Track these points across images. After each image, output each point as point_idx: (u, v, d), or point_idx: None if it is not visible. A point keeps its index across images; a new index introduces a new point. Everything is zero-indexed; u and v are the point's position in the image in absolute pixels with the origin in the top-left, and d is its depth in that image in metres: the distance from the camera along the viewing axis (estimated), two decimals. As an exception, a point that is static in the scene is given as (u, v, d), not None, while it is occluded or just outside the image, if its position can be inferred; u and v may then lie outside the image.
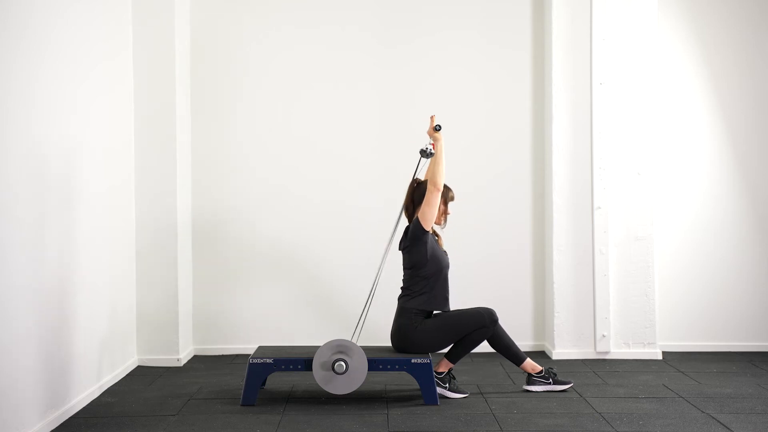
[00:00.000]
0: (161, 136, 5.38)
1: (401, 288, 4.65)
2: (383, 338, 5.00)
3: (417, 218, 4.53)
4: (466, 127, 5.89)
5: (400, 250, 4.67)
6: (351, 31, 5.88)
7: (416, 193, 4.64)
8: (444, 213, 4.65)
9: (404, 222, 4.75)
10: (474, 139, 5.89)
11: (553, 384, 4.63)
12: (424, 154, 4.57)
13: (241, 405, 4.32)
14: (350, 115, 5.89)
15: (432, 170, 4.51)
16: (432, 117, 4.58)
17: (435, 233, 4.68)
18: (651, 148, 5.62)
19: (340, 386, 4.30)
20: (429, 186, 4.47)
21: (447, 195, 4.64)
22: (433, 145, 4.55)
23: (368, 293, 4.79)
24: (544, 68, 5.84)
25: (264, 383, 4.60)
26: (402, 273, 4.67)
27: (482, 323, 4.50)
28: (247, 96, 5.85)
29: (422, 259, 4.53)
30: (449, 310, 4.58)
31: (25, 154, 3.72)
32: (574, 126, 5.63)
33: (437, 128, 4.50)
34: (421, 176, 4.76)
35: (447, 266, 4.61)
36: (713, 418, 4.08)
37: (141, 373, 5.17)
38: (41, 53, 3.90)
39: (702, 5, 5.88)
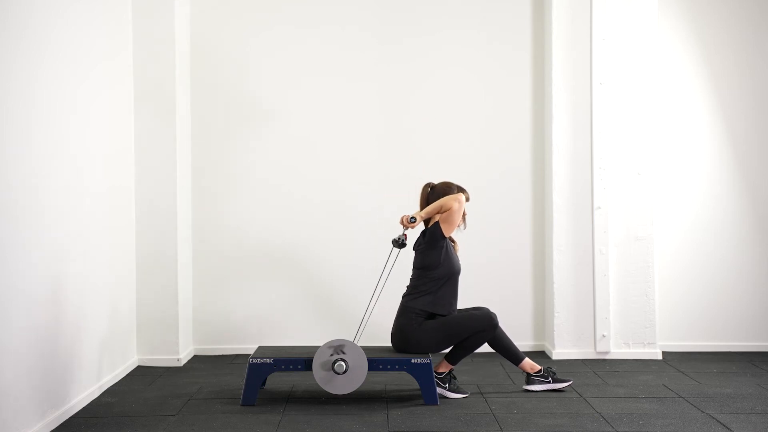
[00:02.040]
0: (161, 136, 5.38)
1: (407, 286, 4.64)
2: (383, 338, 5.00)
3: (438, 224, 4.52)
4: (466, 127, 5.89)
5: (414, 249, 4.66)
6: (351, 31, 5.88)
7: (431, 197, 4.63)
8: (463, 216, 4.64)
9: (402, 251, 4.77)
10: (474, 139, 5.89)
11: (553, 383, 4.63)
12: (397, 244, 4.56)
13: (241, 405, 4.32)
14: (350, 115, 5.89)
15: (441, 208, 4.49)
16: (403, 217, 4.55)
17: (451, 238, 4.67)
18: (651, 148, 5.62)
19: (340, 386, 4.30)
20: (449, 205, 4.46)
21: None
22: (405, 235, 4.55)
23: (369, 294, 4.79)
24: (544, 68, 5.84)
25: (264, 383, 4.60)
26: (410, 272, 4.67)
27: (482, 327, 4.49)
28: (247, 96, 5.85)
29: (435, 262, 4.52)
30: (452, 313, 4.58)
31: (24, 155, 3.72)
32: (574, 126, 5.63)
33: (412, 220, 4.49)
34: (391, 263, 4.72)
35: (458, 271, 4.60)
36: (713, 418, 4.08)
37: (141, 373, 5.17)
38: (41, 53, 3.90)
39: (702, 5, 5.88)
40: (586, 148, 5.62)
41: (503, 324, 4.67)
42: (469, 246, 5.73)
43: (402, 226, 4.58)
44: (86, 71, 4.50)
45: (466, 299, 5.19)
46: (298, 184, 5.86)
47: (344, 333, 5.37)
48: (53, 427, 3.93)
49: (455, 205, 4.47)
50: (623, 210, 5.61)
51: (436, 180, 4.80)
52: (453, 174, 5.31)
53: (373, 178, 5.84)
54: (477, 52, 5.90)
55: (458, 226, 4.61)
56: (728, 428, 3.90)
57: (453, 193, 4.58)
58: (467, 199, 4.67)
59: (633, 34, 5.60)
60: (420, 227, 4.77)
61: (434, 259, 4.53)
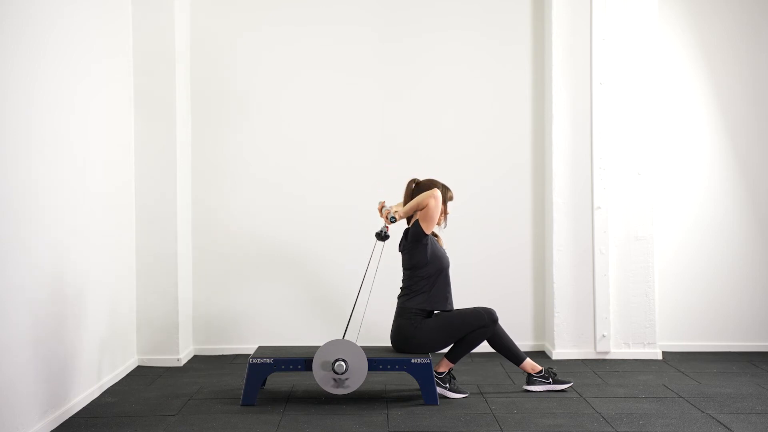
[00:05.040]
0: (161, 136, 5.38)
1: (401, 288, 4.65)
2: (383, 338, 5.00)
3: (417, 222, 4.52)
4: (466, 127, 5.89)
5: (399, 251, 4.67)
6: (351, 31, 5.88)
7: (416, 193, 4.64)
8: (444, 213, 4.64)
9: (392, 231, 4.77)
10: (474, 139, 5.89)
11: (553, 384, 4.63)
12: (380, 237, 4.57)
13: (241, 405, 4.32)
14: (349, 116, 5.89)
15: (420, 207, 4.49)
16: (381, 205, 4.56)
17: (434, 233, 4.68)
18: (651, 148, 5.62)
19: (340, 386, 4.30)
20: (425, 202, 4.46)
21: (446, 195, 4.64)
22: (387, 227, 4.56)
23: (366, 293, 4.79)
24: (544, 68, 5.84)
25: (264, 383, 4.60)
26: (401, 273, 4.67)
27: (482, 323, 4.49)
28: (247, 97, 5.85)
29: (422, 260, 4.53)
30: (449, 310, 4.58)
31: (24, 154, 3.72)
32: (574, 126, 5.63)
33: (392, 220, 4.50)
34: (378, 256, 4.75)
35: (447, 265, 4.61)
36: (713, 418, 4.08)
37: (141, 373, 5.17)
38: (41, 53, 3.90)
39: (702, 5, 5.88)
40: (586, 148, 5.62)
41: (503, 324, 4.66)
42: (469, 246, 5.75)
43: (383, 219, 4.57)
44: (86, 70, 4.50)
45: (466, 299, 5.19)
46: (298, 184, 5.86)
47: (343, 333, 5.36)
48: (53, 427, 3.93)
49: (431, 202, 4.47)
50: (623, 210, 5.61)
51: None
52: (454, 175, 5.31)
53: (372, 178, 5.84)
54: (477, 52, 5.90)
55: (439, 224, 4.61)
56: (728, 428, 3.90)
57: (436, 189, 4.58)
58: (451, 198, 4.68)
59: (633, 34, 5.60)
60: (402, 223, 4.76)
61: (421, 257, 4.53)
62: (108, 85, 4.90)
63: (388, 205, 4.68)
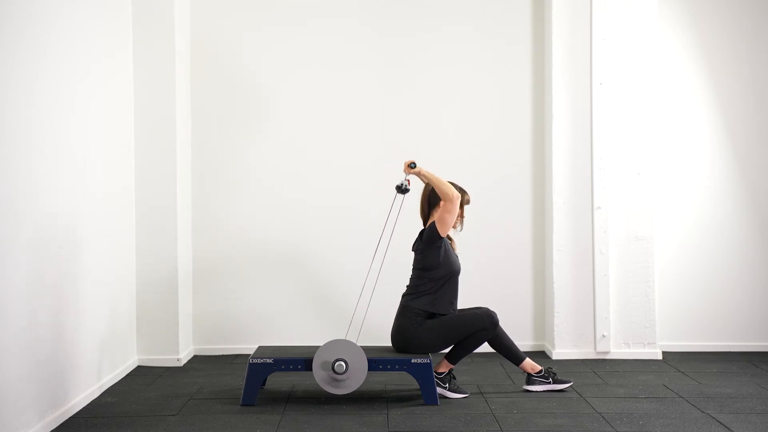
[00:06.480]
0: (162, 135, 5.37)
1: (407, 286, 4.64)
2: (383, 338, 5.00)
3: (434, 224, 4.52)
4: (466, 128, 5.89)
5: (413, 251, 4.66)
6: (352, 30, 5.88)
7: (432, 195, 4.63)
8: (460, 216, 4.63)
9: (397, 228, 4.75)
10: (474, 140, 5.89)
11: (553, 383, 4.63)
12: (400, 189, 4.57)
13: (241, 405, 4.32)
14: (350, 118, 5.89)
15: (438, 190, 4.49)
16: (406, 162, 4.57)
17: (449, 236, 4.67)
18: (651, 148, 5.63)
19: (340, 386, 4.30)
20: (443, 201, 4.46)
21: (463, 199, 4.62)
22: (408, 180, 4.55)
23: (370, 294, 4.79)
24: (544, 68, 5.84)
25: (264, 383, 4.60)
26: (404, 273, 4.67)
27: (482, 326, 4.49)
28: (247, 96, 5.84)
29: (434, 263, 4.52)
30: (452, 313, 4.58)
31: (24, 154, 3.72)
32: (574, 126, 5.63)
33: (412, 165, 4.50)
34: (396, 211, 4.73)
35: (458, 271, 4.60)
36: (713, 418, 4.08)
37: (141, 373, 5.17)
38: (41, 52, 3.89)
39: (702, 5, 5.88)
40: (586, 148, 5.62)
41: (503, 324, 4.67)
42: (469, 246, 5.74)
43: (404, 173, 4.57)
44: (86, 70, 4.50)
45: (466, 299, 5.18)
46: (297, 184, 5.86)
47: (344, 333, 5.36)
48: (53, 427, 3.93)
49: (448, 205, 4.46)
50: (623, 210, 5.61)
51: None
52: (454, 174, 5.28)
53: (372, 178, 5.84)
54: (477, 52, 5.89)
55: (454, 227, 4.60)
56: (728, 428, 3.90)
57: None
58: (468, 202, 4.67)
59: (633, 34, 5.60)
60: (418, 224, 4.75)
61: (433, 259, 4.52)
62: (108, 85, 4.90)
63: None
